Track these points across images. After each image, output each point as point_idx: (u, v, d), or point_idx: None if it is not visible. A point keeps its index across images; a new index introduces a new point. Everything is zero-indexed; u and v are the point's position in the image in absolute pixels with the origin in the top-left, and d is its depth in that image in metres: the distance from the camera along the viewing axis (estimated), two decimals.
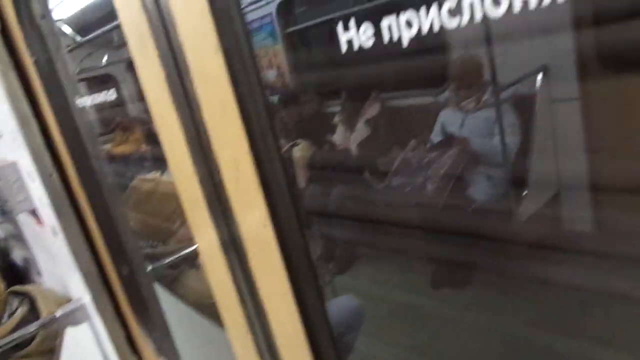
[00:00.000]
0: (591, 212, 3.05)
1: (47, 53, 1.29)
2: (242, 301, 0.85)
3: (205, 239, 0.87)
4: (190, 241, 2.00)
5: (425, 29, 0.56)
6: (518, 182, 3.04)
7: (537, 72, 3.06)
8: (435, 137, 3.45)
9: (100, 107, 1.42)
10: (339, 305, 2.11)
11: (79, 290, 1.64)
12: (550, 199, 3.20)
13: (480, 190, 3.13)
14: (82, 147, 1.36)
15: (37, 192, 1.50)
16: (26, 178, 1.53)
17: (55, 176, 1.40)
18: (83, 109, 1.35)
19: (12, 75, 1.31)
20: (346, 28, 0.61)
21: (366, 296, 3.06)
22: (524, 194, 3.06)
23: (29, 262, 2.57)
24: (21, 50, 1.30)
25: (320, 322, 0.71)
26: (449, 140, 3.26)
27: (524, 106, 3.09)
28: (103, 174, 1.43)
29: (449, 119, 3.43)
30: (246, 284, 0.82)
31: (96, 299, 1.53)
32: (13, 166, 1.54)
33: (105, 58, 6.09)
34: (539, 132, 3.08)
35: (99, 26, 4.87)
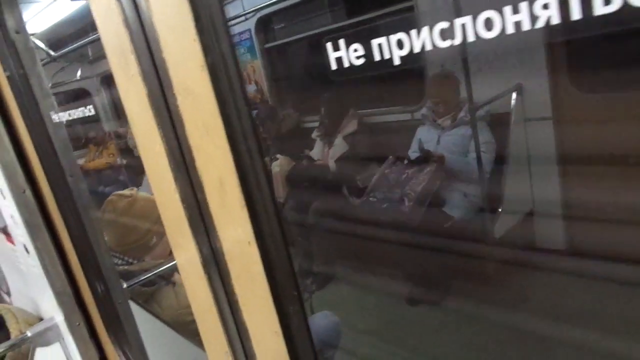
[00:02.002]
0: (564, 229, 3.12)
1: (22, 68, 1.26)
2: (223, 319, 0.84)
3: (186, 257, 0.86)
4: (165, 258, 1.97)
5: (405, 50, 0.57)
6: (493, 199, 3.09)
7: (512, 91, 3.14)
8: (412, 153, 3.48)
9: (72, 122, 1.40)
10: (317, 322, 2.10)
11: (51, 310, 1.59)
12: (525, 216, 3.26)
13: (456, 207, 3.17)
14: (56, 163, 1.33)
15: (9, 209, 1.45)
16: None
17: (28, 192, 1.37)
18: (58, 123, 1.33)
19: None
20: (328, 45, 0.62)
21: (344, 313, 3.04)
22: (499, 210, 3.10)
23: None
24: None
25: (304, 341, 0.70)
26: (425, 157, 3.29)
27: (499, 124, 3.16)
28: (78, 190, 1.40)
29: (425, 136, 3.47)
30: (228, 302, 0.81)
31: (69, 318, 1.49)
32: None
33: (78, 72, 6.02)
34: (514, 150, 3.14)
35: (72, 41, 4.83)
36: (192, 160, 0.72)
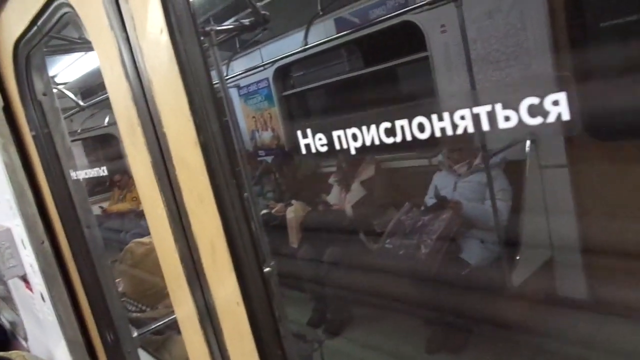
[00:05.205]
0: (585, 277, 3.05)
1: (47, 127, 1.36)
2: None
3: (184, 312, 0.90)
4: None
5: None
6: (510, 246, 3.05)
7: (526, 139, 3.15)
8: (429, 199, 3.50)
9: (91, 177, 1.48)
10: None
11: (64, 358, 1.63)
12: (544, 264, 3.21)
13: (473, 253, 3.14)
14: (74, 216, 1.41)
15: (29, 259, 1.53)
16: (19, 245, 1.56)
17: (46, 244, 1.44)
18: (76, 180, 1.41)
19: (12, 149, 1.38)
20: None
21: None
22: (516, 258, 3.06)
23: (16, 326, 2.55)
24: (22, 125, 1.37)
25: None
26: (442, 203, 3.30)
27: (515, 171, 3.16)
28: (94, 240, 1.47)
29: (442, 182, 3.49)
30: (222, 358, 0.84)
31: None
32: (7, 232, 1.58)
33: (106, 119, 6.27)
34: (530, 197, 3.13)
35: (102, 90, 5.08)
36: (189, 224, 0.77)
